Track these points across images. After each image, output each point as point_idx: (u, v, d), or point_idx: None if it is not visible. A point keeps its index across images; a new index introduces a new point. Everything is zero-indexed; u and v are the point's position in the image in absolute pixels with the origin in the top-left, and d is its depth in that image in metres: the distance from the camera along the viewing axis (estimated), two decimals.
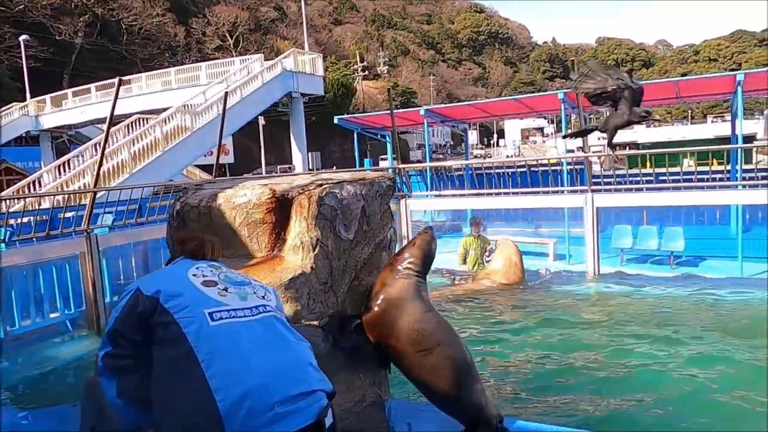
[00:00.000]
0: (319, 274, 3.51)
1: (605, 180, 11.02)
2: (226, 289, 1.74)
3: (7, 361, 6.61)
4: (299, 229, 3.55)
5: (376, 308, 3.58)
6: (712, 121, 57.76)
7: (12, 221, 7.99)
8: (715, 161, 14.77)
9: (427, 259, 3.75)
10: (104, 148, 8.28)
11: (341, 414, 3.34)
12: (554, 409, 4.63)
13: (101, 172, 16.72)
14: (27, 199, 11.17)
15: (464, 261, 10.32)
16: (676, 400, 4.91)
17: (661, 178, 10.74)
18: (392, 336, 3.54)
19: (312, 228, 3.54)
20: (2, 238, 7.19)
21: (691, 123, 65.48)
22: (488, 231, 14.29)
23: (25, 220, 8.50)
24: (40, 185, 17.19)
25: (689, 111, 71.37)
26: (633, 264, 11.45)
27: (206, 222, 3.79)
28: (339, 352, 3.47)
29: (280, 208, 3.62)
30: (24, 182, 17.56)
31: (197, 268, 1.81)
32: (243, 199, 3.67)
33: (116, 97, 7.46)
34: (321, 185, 3.69)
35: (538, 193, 11.18)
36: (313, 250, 3.51)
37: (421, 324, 3.54)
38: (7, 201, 10.10)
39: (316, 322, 3.36)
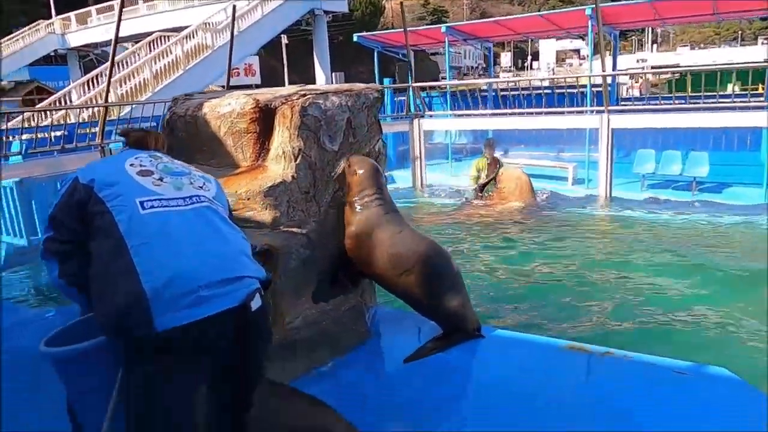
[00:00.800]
0: (301, 183, 3.56)
1: (636, 103, 10.61)
2: (161, 179, 1.78)
3: (31, 269, 7.00)
4: (282, 138, 3.58)
5: (349, 247, 3.68)
6: (763, 43, 54.22)
7: (31, 135, 8.19)
8: (760, 85, 14.03)
9: (371, 183, 3.66)
10: (111, 67, 8.32)
11: (318, 316, 3.51)
12: (539, 323, 4.75)
13: (123, 91, 16.84)
14: (54, 115, 11.39)
15: (477, 182, 10.27)
16: (666, 319, 4.98)
17: (692, 101, 10.28)
18: (372, 265, 3.65)
19: (294, 138, 3.56)
20: (20, 150, 7.43)
21: (741, 45, 61.61)
22: (509, 155, 14.12)
23: (45, 135, 8.71)
24: (71, 101, 17.42)
25: (739, 32, 66.99)
26: (654, 189, 11.25)
27: (193, 131, 3.85)
28: (318, 260, 3.59)
29: (264, 118, 3.64)
30: (51, 99, 17.80)
31: (136, 158, 1.85)
32: (227, 109, 3.70)
33: (120, 13, 7.40)
34: (304, 95, 3.68)
35: (555, 113, 10.85)
36: (295, 160, 3.55)
37: (395, 248, 3.62)
38: (26, 115, 10.31)
39: (295, 229, 3.45)
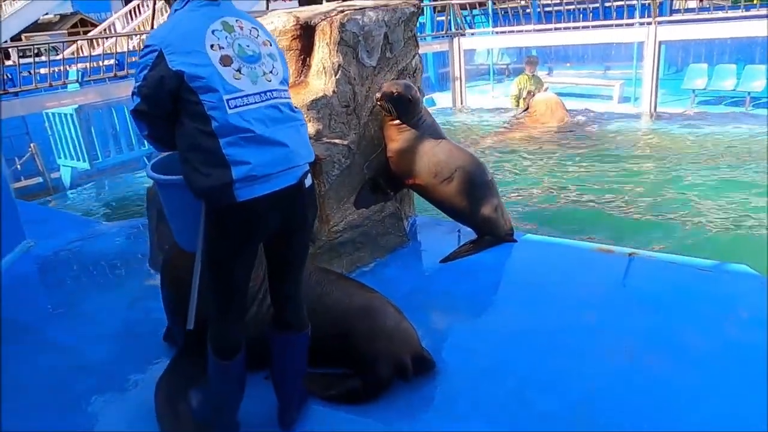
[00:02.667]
0: (341, 97, 3.77)
1: (687, 14, 10.07)
2: (239, 70, 2.00)
3: (95, 188, 7.54)
4: (322, 54, 3.76)
5: (393, 161, 3.94)
6: None
7: (85, 65, 8.58)
8: None
9: (407, 109, 3.85)
10: None
11: (360, 221, 3.81)
12: (569, 226, 4.95)
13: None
14: (102, 47, 11.74)
15: (517, 102, 10.19)
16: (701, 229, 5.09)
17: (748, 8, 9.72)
18: (414, 176, 3.94)
19: (334, 53, 3.73)
20: (77, 78, 7.82)
21: None
22: (553, 73, 13.78)
23: (95, 64, 9.07)
24: (114, 31, 17.74)
25: None
26: (704, 106, 10.89)
27: None
28: (359, 168, 3.85)
29: (305, 35, 3.81)
30: (98, 29, 18.14)
31: (213, 33, 1.98)
32: (270, 27, 3.87)
33: None
34: (343, 11, 3.81)
35: (601, 26, 10.47)
36: (335, 75, 3.74)
37: (436, 158, 3.93)
38: (78, 44, 10.66)
39: (336, 140, 3.70)
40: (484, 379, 2.70)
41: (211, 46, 1.95)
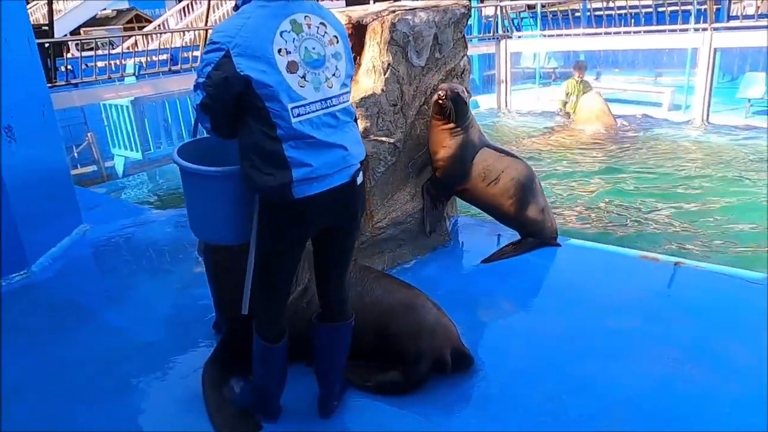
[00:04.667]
0: (389, 96, 3.82)
1: (745, 20, 9.72)
2: (304, 77, 2.04)
3: (147, 177, 7.82)
4: (372, 53, 3.82)
5: (443, 166, 3.96)
6: None
7: (141, 59, 8.89)
8: None
9: (463, 111, 3.89)
10: None
11: (403, 218, 3.85)
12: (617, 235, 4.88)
13: (220, 14, 17.39)
14: (157, 42, 12.15)
15: (564, 106, 10.06)
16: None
17: None
18: (465, 181, 3.99)
19: (384, 53, 3.79)
20: (133, 72, 8.12)
21: None
22: (601, 79, 13.53)
23: (150, 58, 9.40)
24: (168, 27, 18.32)
25: None
26: (760, 116, 10.52)
27: None
28: (403, 166, 3.90)
29: (356, 33, 3.88)
30: (153, 25, 18.74)
31: (282, 36, 1.99)
32: None
33: None
34: (394, 12, 3.87)
35: (653, 32, 10.23)
36: (384, 74, 3.80)
37: (486, 161, 3.98)
38: (135, 40, 11.03)
39: (383, 138, 3.75)
40: (520, 380, 2.71)
41: (279, 50, 1.97)
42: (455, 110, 3.83)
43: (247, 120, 2.03)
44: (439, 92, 3.83)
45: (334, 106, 2.14)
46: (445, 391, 2.63)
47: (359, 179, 2.19)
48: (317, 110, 2.07)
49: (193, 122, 2.58)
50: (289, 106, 1.99)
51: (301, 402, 2.55)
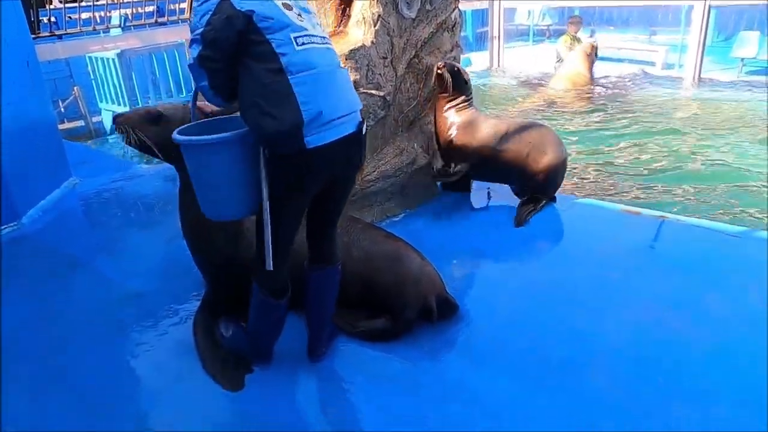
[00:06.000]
0: (379, 48, 3.79)
1: None
2: (299, 15, 2.06)
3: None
4: (362, 4, 3.76)
5: (457, 136, 4.01)
6: None
7: (126, 10, 8.67)
8: None
9: (462, 85, 4.04)
10: None
11: (392, 171, 3.87)
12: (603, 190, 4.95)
13: None
14: None
15: (558, 62, 9.97)
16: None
17: None
18: (473, 144, 4.00)
19: (374, 3, 3.74)
20: (119, 23, 7.92)
21: None
22: (596, 36, 13.37)
23: (137, 10, 9.16)
24: None
25: None
26: (752, 75, 10.49)
27: None
28: (393, 119, 3.90)
29: None
30: None
31: None
32: None
33: None
34: None
35: None
36: (374, 26, 3.75)
37: (495, 128, 4.01)
38: None
39: (374, 91, 3.73)
40: (505, 328, 2.80)
41: None
42: (454, 81, 3.97)
43: (248, 64, 2.00)
44: (438, 63, 4.00)
45: (329, 44, 2.17)
46: (431, 338, 2.71)
47: (364, 129, 2.20)
48: (318, 43, 2.09)
49: (183, 78, 2.51)
50: (292, 34, 2.00)
51: (290, 346, 2.62)
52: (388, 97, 3.83)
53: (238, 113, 2.21)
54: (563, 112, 8.10)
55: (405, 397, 2.38)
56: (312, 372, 2.55)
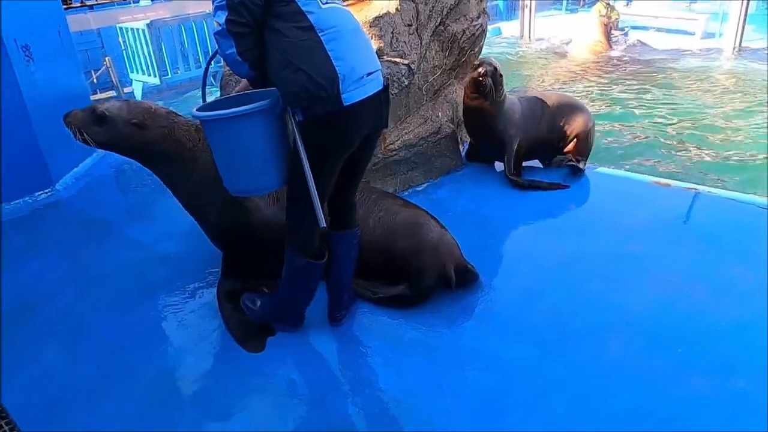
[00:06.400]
0: (404, 15, 3.76)
1: None
2: None
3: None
4: None
5: (506, 134, 3.92)
6: None
7: None
8: None
9: (499, 90, 3.84)
10: None
11: (416, 141, 3.87)
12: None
13: None
14: None
15: (597, 30, 9.72)
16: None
17: None
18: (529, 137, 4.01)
19: None
20: None
21: None
22: (631, 5, 12.96)
23: None
24: None
25: None
26: None
27: None
28: (417, 88, 3.87)
29: None
30: None
31: None
32: None
33: None
34: None
35: None
36: None
37: (532, 111, 4.05)
38: None
39: (398, 59, 3.71)
40: (523, 297, 2.81)
41: None
42: (494, 86, 3.77)
43: (275, 26, 2.01)
44: (479, 69, 3.76)
45: (345, 7, 2.18)
46: (449, 305, 2.74)
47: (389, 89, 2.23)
48: (338, 3, 2.12)
49: (211, 49, 2.50)
50: None
51: (311, 312, 2.68)
52: (412, 66, 3.80)
53: (245, 91, 2.26)
54: (589, 80, 7.92)
55: (422, 361, 2.42)
56: (331, 336, 2.61)
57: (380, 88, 2.15)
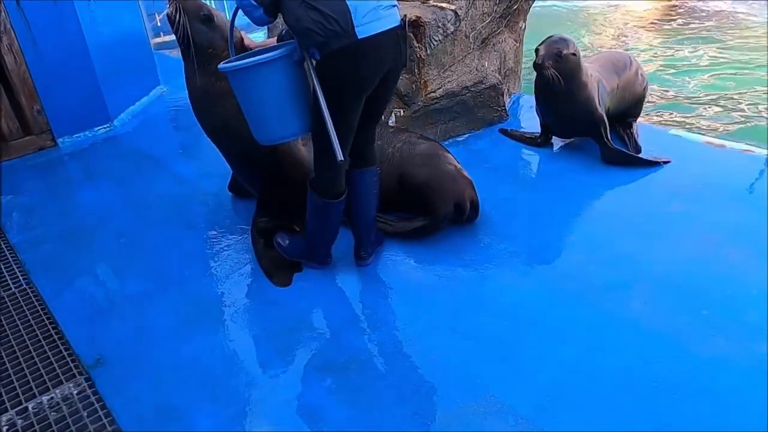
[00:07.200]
0: None
1: None
2: None
3: None
4: None
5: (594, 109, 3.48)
6: None
7: None
8: None
9: (570, 74, 3.35)
10: None
11: (458, 90, 3.81)
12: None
13: None
14: None
15: None
16: None
17: None
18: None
19: None
20: None
21: None
22: None
23: None
24: None
25: None
26: None
27: None
28: (464, 36, 3.79)
29: None
30: None
31: None
32: None
33: None
34: None
35: None
36: None
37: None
38: None
39: (444, 4, 3.64)
40: (550, 251, 2.82)
41: None
42: (561, 74, 3.29)
43: None
44: (536, 61, 3.32)
45: None
46: (474, 252, 2.77)
47: (406, 26, 2.23)
48: None
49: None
50: None
51: (336, 251, 2.76)
52: (459, 12, 3.72)
53: (274, 42, 2.28)
54: (647, 32, 7.47)
55: (441, 304, 2.47)
56: (355, 275, 2.70)
57: (397, 24, 2.15)
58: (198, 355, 2.27)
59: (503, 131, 3.95)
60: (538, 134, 3.77)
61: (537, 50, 3.38)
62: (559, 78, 3.29)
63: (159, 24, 8.37)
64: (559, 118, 3.58)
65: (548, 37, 3.42)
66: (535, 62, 3.33)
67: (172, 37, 7.93)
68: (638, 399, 1.96)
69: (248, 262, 2.84)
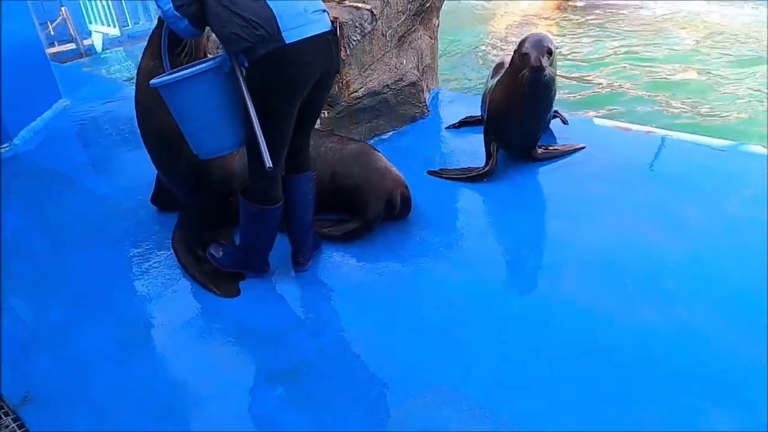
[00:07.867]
0: None
1: None
2: None
3: (126, 54, 7.62)
4: None
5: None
6: None
7: None
8: None
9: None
10: None
11: (380, 88, 3.85)
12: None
13: None
14: None
15: None
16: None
17: None
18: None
19: None
20: None
21: None
22: None
23: None
24: None
25: None
26: None
27: None
28: (381, 35, 3.83)
29: None
30: None
31: None
32: None
33: None
34: None
35: None
36: None
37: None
38: None
39: (360, 4, 3.66)
40: (482, 237, 2.90)
41: None
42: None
43: None
44: (533, 64, 2.95)
45: None
46: (409, 247, 2.83)
47: (337, 32, 2.24)
48: None
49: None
50: None
51: (274, 258, 2.71)
52: (375, 11, 3.74)
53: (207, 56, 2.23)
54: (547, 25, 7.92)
55: (383, 301, 2.50)
56: (294, 280, 2.68)
57: (327, 29, 2.15)
58: (139, 379, 2.18)
59: (432, 173, 3.43)
60: (481, 167, 3.38)
61: (524, 54, 3.01)
62: (553, 79, 3.13)
63: (52, 33, 7.88)
64: (532, 126, 3.35)
65: (527, 37, 3.16)
66: (532, 66, 2.96)
67: (69, 46, 7.46)
68: (579, 371, 2.08)
69: (180, 277, 2.73)
